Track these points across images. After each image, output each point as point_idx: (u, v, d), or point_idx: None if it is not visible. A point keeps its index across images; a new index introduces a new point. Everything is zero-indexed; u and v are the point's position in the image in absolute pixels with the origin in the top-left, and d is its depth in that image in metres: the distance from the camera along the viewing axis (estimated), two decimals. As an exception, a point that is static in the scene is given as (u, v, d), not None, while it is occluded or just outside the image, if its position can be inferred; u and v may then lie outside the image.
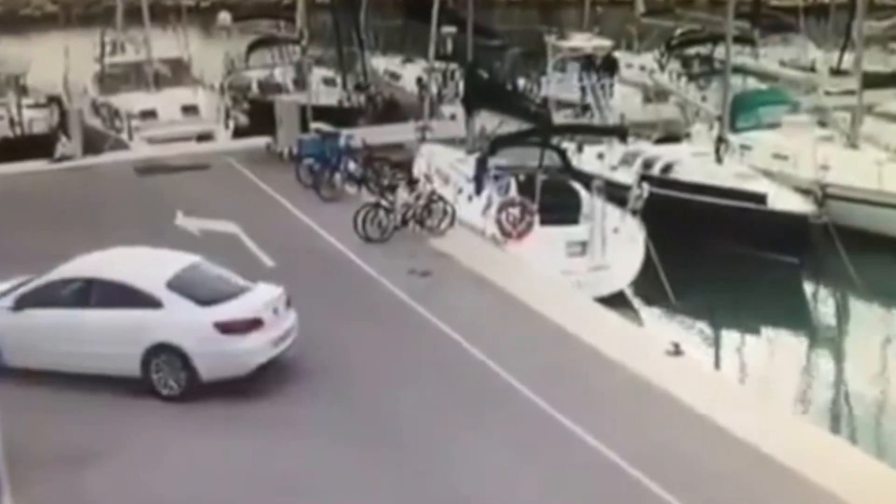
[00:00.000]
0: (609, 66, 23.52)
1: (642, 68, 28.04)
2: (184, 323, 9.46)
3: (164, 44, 25.99)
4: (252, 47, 28.31)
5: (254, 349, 9.51)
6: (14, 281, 10.50)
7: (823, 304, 16.45)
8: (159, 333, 9.46)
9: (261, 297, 9.86)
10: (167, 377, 9.49)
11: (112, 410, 9.43)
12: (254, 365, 9.56)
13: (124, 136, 22.38)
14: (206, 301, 9.62)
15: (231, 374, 9.51)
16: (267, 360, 9.66)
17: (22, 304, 9.96)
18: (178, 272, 9.92)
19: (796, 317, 15.48)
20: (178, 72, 25.00)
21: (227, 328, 9.40)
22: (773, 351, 14.42)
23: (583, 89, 21.41)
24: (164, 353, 9.44)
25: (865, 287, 15.38)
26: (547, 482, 8.35)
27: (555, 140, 16.75)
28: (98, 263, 10.27)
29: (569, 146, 17.26)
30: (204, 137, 22.45)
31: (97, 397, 9.57)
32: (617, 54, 27.35)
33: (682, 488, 8.05)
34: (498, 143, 16.22)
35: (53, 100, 22.75)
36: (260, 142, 20.54)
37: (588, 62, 21.34)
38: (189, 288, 9.72)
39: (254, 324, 9.53)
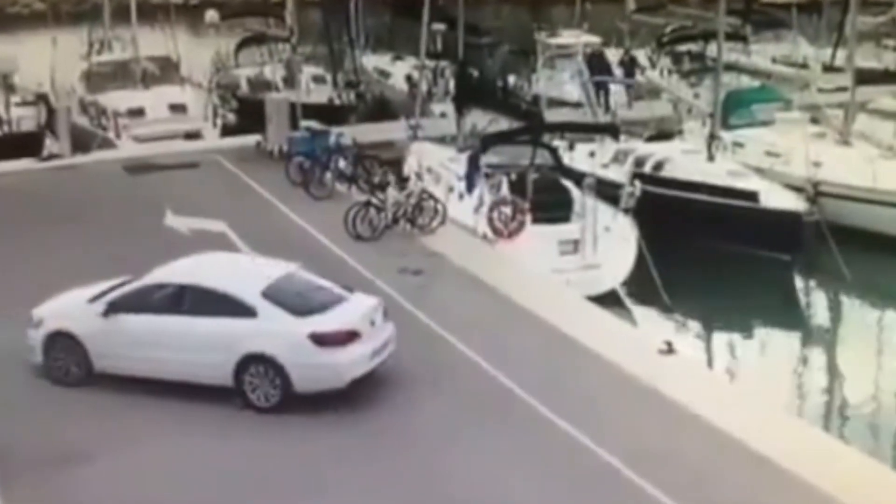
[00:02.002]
0: (600, 65, 23.48)
1: (629, 64, 28.01)
2: (278, 333, 9.27)
3: (151, 42, 25.90)
4: (241, 45, 28.21)
5: (349, 362, 9.29)
6: (105, 284, 10.30)
7: (816, 301, 16.51)
8: (253, 343, 9.27)
9: (358, 308, 9.68)
10: (261, 388, 9.29)
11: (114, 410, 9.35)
12: (349, 378, 9.32)
13: (111, 134, 22.30)
14: (301, 311, 9.43)
15: (325, 387, 9.31)
16: (362, 373, 9.42)
17: (113, 309, 9.79)
18: (274, 281, 9.74)
19: (788, 314, 15.54)
20: (166, 70, 24.92)
21: (322, 340, 9.21)
22: (765, 349, 14.46)
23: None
24: (257, 364, 9.26)
25: (857, 285, 15.44)
26: (538, 482, 8.34)
27: (546, 138, 16.74)
28: (192, 269, 10.13)
29: (560, 144, 17.27)
30: (192, 136, 22.36)
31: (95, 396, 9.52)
32: (608, 52, 27.38)
33: (675, 489, 8.06)
34: (489, 142, 16.21)
35: (41, 98, 22.63)
36: (249, 140, 20.49)
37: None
38: (284, 297, 9.54)
39: (350, 336, 9.32)
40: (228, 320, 9.43)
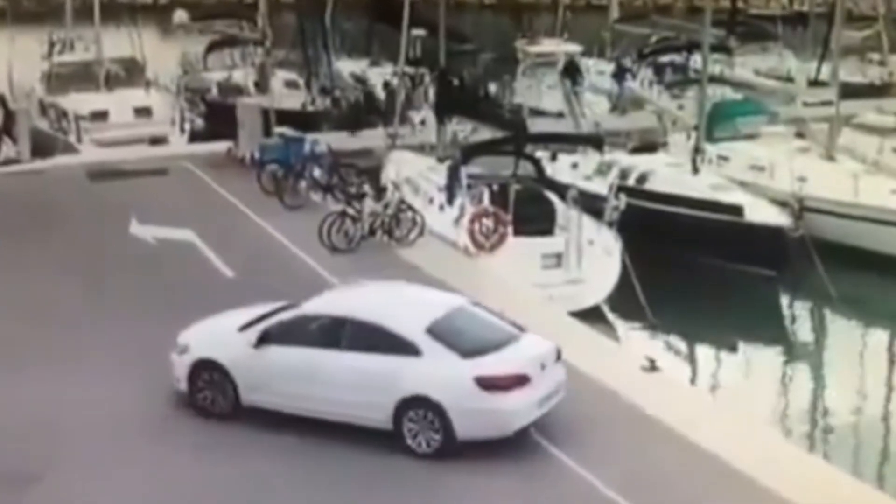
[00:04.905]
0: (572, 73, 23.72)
1: (614, 76, 28.46)
2: (443, 375, 8.78)
3: (116, 42, 25.80)
4: (210, 48, 28.23)
5: (516, 409, 8.78)
6: (255, 311, 9.88)
7: (800, 318, 16.83)
8: (415, 384, 8.80)
9: (528, 350, 9.15)
10: (421, 433, 8.83)
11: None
12: (516, 427, 8.84)
13: (73, 138, 22.16)
14: (468, 351, 8.91)
15: (489, 434, 8.81)
16: (529, 422, 8.93)
17: (265, 339, 9.37)
18: (440, 317, 9.23)
19: (773, 330, 15.80)
20: (131, 72, 24.86)
21: (489, 384, 8.68)
22: (749, 365, 14.72)
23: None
24: (418, 407, 8.80)
25: (842, 301, 15.78)
26: (519, 500, 8.44)
27: (528, 148, 16.94)
28: (352, 301, 9.79)
29: (542, 155, 17.48)
30: (158, 141, 22.32)
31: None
32: (589, 61, 27.76)
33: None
34: (471, 152, 16.37)
35: (-2, 99, 22.46)
36: (220, 146, 20.48)
37: (566, 69, 21.56)
38: (451, 336, 9.02)
39: (519, 380, 8.78)
40: (389, 358, 8.94)
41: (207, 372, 9.56)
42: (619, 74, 26.40)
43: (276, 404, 9.33)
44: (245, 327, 9.61)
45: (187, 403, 9.75)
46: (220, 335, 9.78)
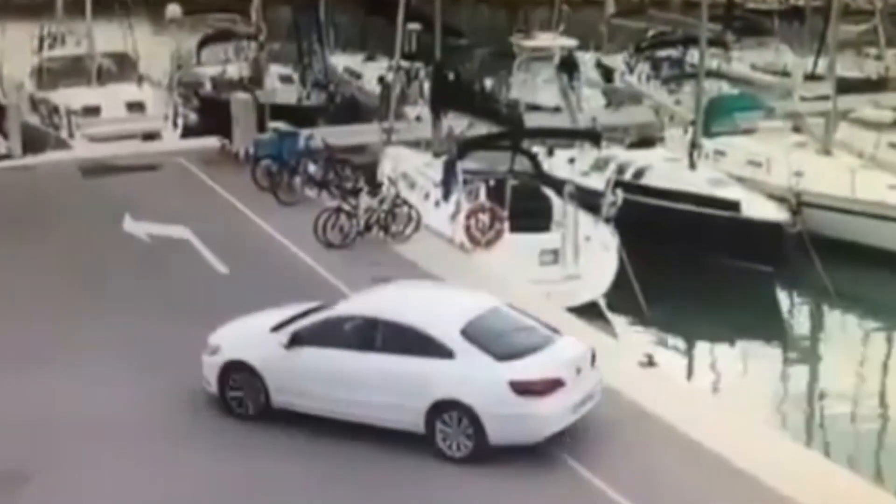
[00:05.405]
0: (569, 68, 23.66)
1: (610, 70, 28.45)
2: (476, 378, 8.66)
3: (108, 36, 25.67)
4: (204, 42, 28.09)
5: (550, 414, 8.65)
6: (286, 311, 9.81)
7: (798, 313, 16.87)
8: (448, 388, 8.68)
9: (564, 354, 9.03)
10: (453, 437, 8.74)
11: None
12: (548, 433, 8.71)
13: (64, 133, 22.04)
14: (502, 354, 8.79)
15: (522, 440, 8.72)
16: (562, 428, 8.80)
17: (297, 341, 9.27)
18: (474, 318, 9.09)
19: (770, 326, 15.83)
20: (123, 66, 24.72)
21: (523, 388, 8.56)
22: (746, 361, 14.73)
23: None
24: (450, 411, 8.69)
25: (840, 296, 15.80)
26: (516, 497, 8.44)
27: (525, 144, 16.91)
28: (385, 302, 9.66)
29: (539, 150, 17.45)
30: (150, 136, 22.21)
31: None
32: (586, 56, 27.72)
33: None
34: (467, 147, 16.34)
35: (-12, 95, 22.36)
36: (214, 142, 20.40)
37: (563, 63, 21.53)
38: (485, 338, 8.90)
39: (553, 385, 8.66)
40: (422, 360, 8.84)
41: (238, 373, 9.45)
42: (607, 74, 26.42)
43: (307, 406, 9.25)
44: (277, 328, 9.51)
45: (190, 402, 9.70)
46: (251, 336, 9.68)
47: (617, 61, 28.66)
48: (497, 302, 9.65)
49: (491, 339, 8.95)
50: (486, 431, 8.64)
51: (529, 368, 8.75)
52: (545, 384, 8.64)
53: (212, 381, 9.65)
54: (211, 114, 22.75)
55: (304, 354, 9.26)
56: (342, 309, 9.61)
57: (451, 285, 10.70)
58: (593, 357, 9.25)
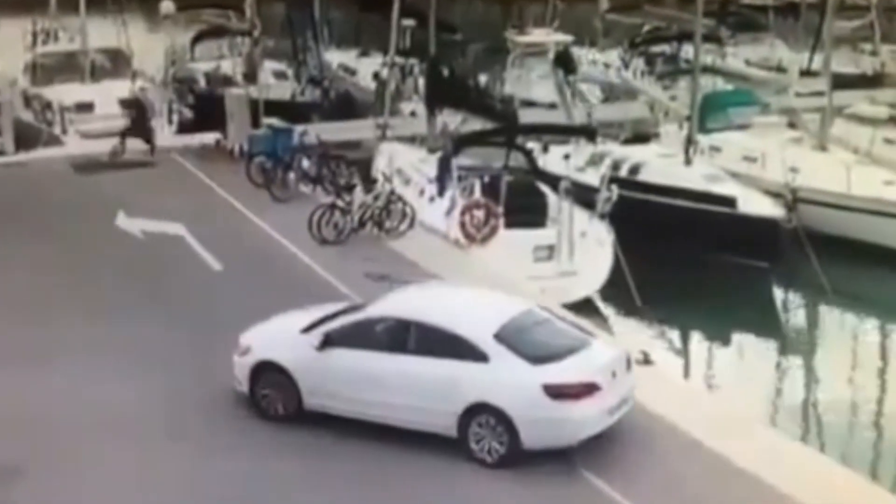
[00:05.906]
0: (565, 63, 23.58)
1: (606, 66, 28.42)
2: (510, 382, 8.58)
3: (102, 32, 25.57)
4: (198, 38, 27.99)
5: (584, 418, 8.56)
6: (317, 312, 9.76)
7: (793, 309, 16.87)
8: (482, 392, 8.61)
9: (599, 357, 8.95)
10: (486, 441, 8.65)
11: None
12: (583, 436, 8.62)
13: (57, 130, 21.94)
14: (536, 358, 8.70)
15: (556, 444, 8.65)
16: (596, 432, 8.70)
17: (329, 342, 9.18)
18: (508, 321, 8.99)
19: (766, 322, 15.83)
20: (116, 63, 24.64)
21: (557, 392, 8.48)
22: (742, 357, 14.73)
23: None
24: (484, 414, 8.61)
25: (835, 293, 15.81)
26: (513, 496, 8.42)
27: (520, 139, 16.87)
28: (418, 304, 9.54)
29: (534, 146, 17.42)
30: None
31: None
32: (580, 51, 27.67)
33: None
34: (462, 143, 16.29)
35: (-21, 91, 22.20)
36: (208, 138, 20.34)
37: (558, 59, 21.47)
38: (519, 341, 8.80)
39: (588, 389, 8.55)
40: (455, 363, 8.75)
41: (269, 374, 9.36)
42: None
43: (339, 409, 9.18)
44: (308, 329, 9.42)
45: (191, 402, 9.66)
46: (282, 337, 9.59)
47: (612, 57, 28.63)
48: (531, 304, 9.56)
49: (525, 342, 8.86)
50: (520, 435, 8.58)
51: (564, 372, 8.65)
52: (579, 388, 8.55)
53: (243, 381, 9.55)
54: (205, 110, 22.68)
55: (336, 356, 9.16)
56: (374, 310, 9.51)
57: (484, 287, 10.53)
58: (629, 361, 9.17)
